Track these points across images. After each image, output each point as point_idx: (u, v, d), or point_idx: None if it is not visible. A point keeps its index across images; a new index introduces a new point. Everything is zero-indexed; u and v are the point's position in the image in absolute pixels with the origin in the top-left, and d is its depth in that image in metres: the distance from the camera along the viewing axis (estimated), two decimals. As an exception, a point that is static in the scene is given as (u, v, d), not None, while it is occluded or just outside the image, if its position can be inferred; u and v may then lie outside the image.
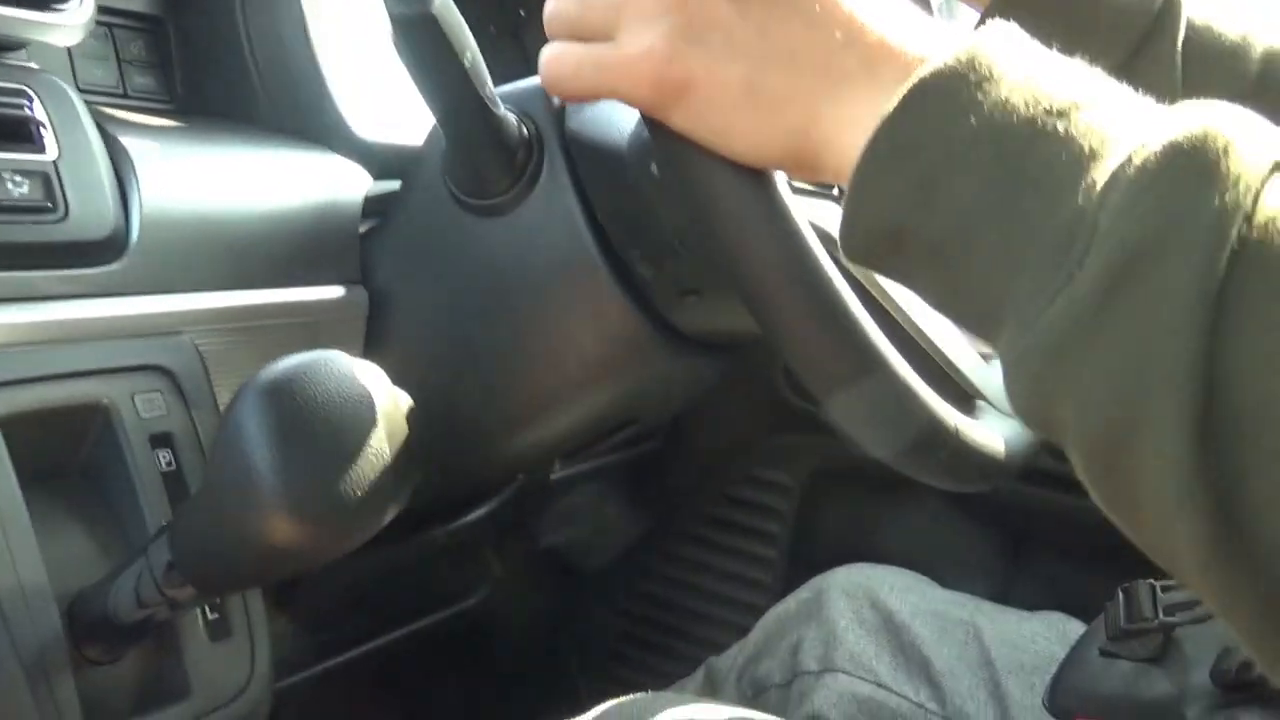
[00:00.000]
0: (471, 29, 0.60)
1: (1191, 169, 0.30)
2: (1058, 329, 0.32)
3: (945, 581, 0.83)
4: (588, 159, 0.65)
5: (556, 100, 0.66)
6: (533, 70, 0.70)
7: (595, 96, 0.47)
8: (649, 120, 0.45)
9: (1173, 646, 0.59)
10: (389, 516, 0.48)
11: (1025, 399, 0.34)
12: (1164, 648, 0.59)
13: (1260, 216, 0.30)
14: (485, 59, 0.62)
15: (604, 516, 1.15)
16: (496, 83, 0.63)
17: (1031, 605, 0.79)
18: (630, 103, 0.45)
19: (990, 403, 0.55)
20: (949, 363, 0.55)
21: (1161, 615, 0.59)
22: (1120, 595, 0.61)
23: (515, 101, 0.66)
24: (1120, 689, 0.58)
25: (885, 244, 0.38)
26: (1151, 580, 0.61)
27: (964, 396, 0.65)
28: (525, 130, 0.65)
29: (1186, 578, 0.32)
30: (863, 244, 0.39)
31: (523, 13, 0.94)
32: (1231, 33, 0.59)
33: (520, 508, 0.91)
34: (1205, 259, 0.29)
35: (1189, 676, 0.57)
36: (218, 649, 0.56)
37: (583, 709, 0.69)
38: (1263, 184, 0.30)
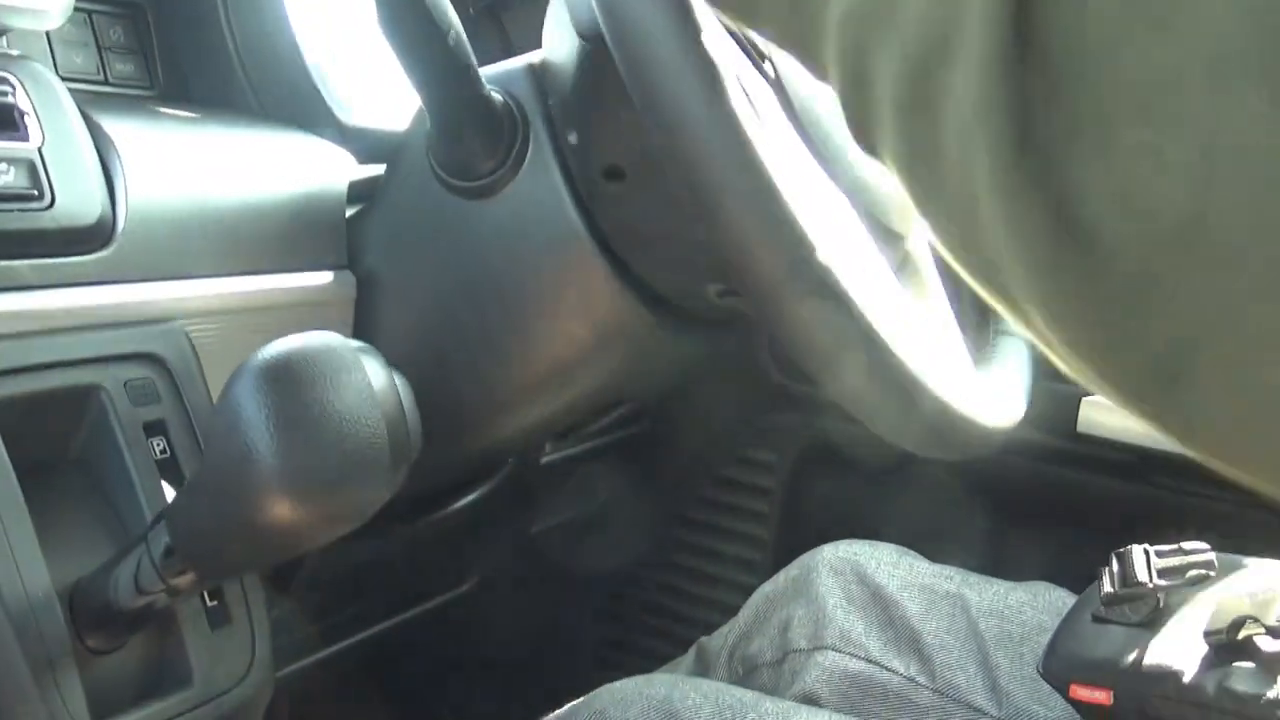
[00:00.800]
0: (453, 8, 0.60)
1: None
2: None
3: (934, 556, 0.83)
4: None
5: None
6: (513, 51, 0.70)
7: None
8: None
9: (1165, 610, 0.60)
10: (386, 496, 0.48)
11: (840, 65, 0.33)
12: (1156, 612, 0.60)
13: None
14: (467, 39, 0.61)
15: (599, 525, 1.16)
16: (478, 64, 0.63)
17: (1020, 577, 0.80)
18: None
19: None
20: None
21: (1155, 579, 0.60)
22: (1113, 560, 0.62)
23: (499, 82, 0.66)
24: (1114, 654, 0.59)
25: None
26: (1145, 545, 0.61)
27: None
28: (510, 111, 0.65)
29: (983, 240, 0.29)
30: None
31: (503, -5, 0.94)
32: None
33: (511, 492, 0.91)
34: None
35: (1182, 638, 0.58)
36: (218, 636, 0.55)
37: (578, 693, 0.70)
38: None
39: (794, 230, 0.49)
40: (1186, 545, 0.61)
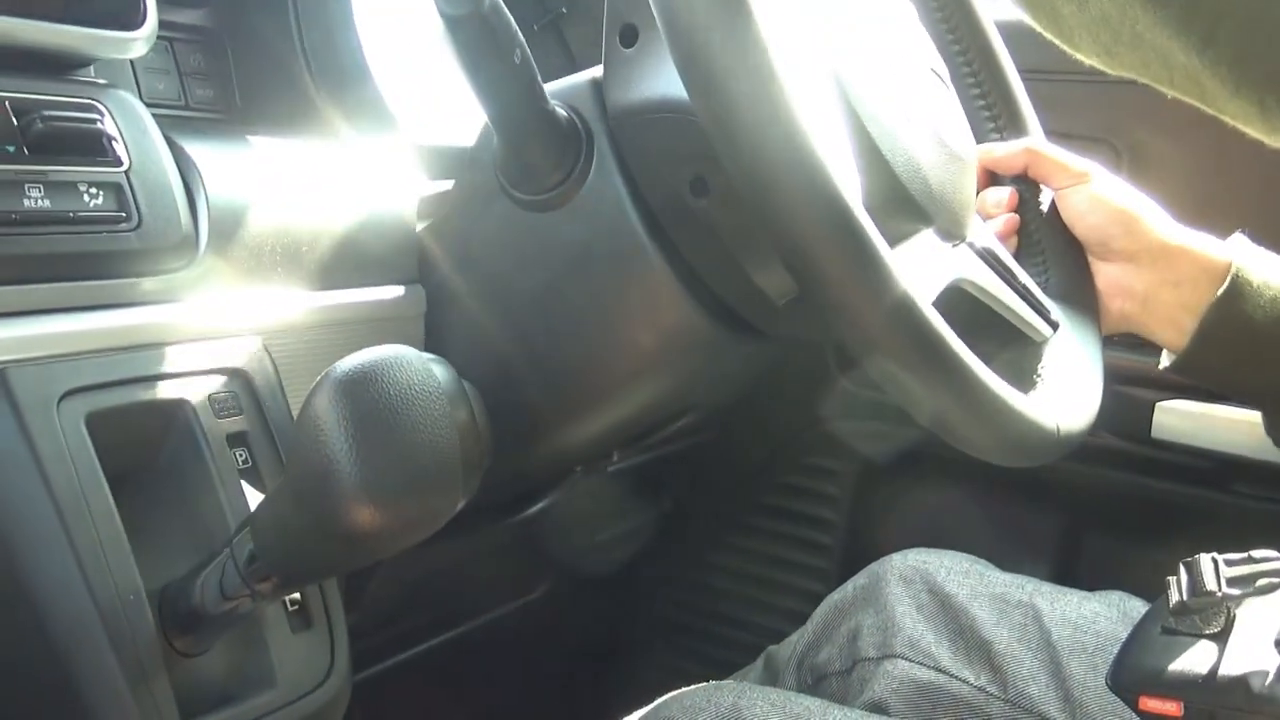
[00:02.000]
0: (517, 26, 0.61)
1: None
2: None
3: (1004, 564, 0.82)
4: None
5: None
6: (576, 66, 0.71)
7: None
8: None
9: (1235, 620, 0.58)
10: (461, 503, 0.50)
11: None
12: (1227, 622, 0.58)
13: None
14: (532, 56, 0.63)
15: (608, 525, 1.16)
16: (542, 79, 0.65)
17: (1091, 586, 0.79)
18: None
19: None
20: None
21: (1225, 588, 0.58)
22: (1182, 570, 0.60)
23: (563, 96, 0.67)
24: (1184, 665, 0.58)
25: None
26: (1213, 554, 0.60)
27: (1021, 373, 0.65)
28: (574, 124, 0.66)
29: None
30: None
31: (564, 9, 0.95)
32: None
33: (580, 500, 0.92)
34: None
35: (1252, 648, 0.57)
36: (299, 640, 0.57)
37: (646, 700, 0.70)
38: None
39: (862, 238, 0.49)
40: (1256, 553, 0.60)
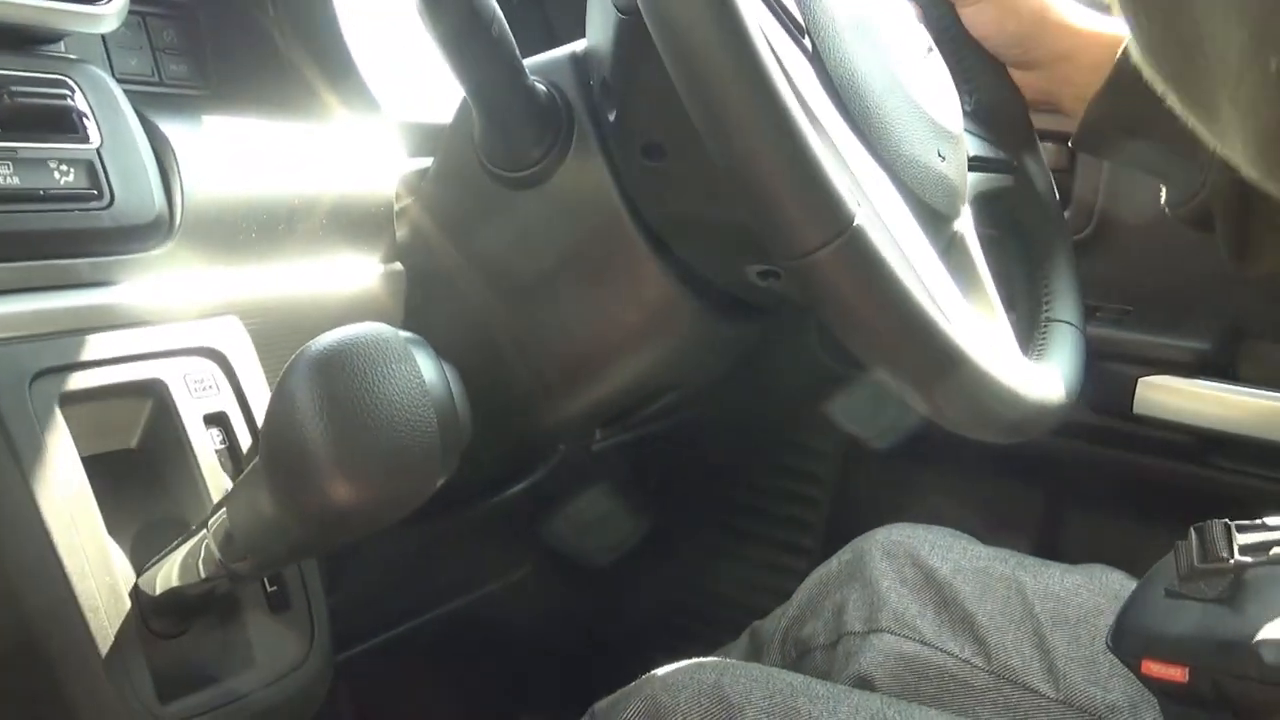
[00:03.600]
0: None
1: None
2: None
3: (988, 539, 0.83)
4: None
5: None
6: (556, 41, 0.70)
7: None
8: None
9: (1243, 587, 0.57)
10: (438, 483, 0.49)
11: None
12: (1234, 588, 0.57)
13: None
14: (510, 30, 0.62)
15: (606, 516, 1.16)
16: (521, 54, 0.64)
17: (1073, 560, 0.79)
18: None
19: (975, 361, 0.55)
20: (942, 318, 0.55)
21: (1237, 555, 0.58)
22: (1193, 534, 0.59)
23: (542, 71, 0.67)
24: (1191, 630, 0.57)
25: None
26: (1226, 520, 0.59)
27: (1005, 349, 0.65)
28: (554, 100, 0.66)
29: None
30: None
31: (545, -15, 0.94)
32: None
33: (563, 480, 0.91)
34: None
35: (1264, 617, 0.56)
36: (278, 621, 0.57)
37: (631, 678, 0.70)
38: None
39: (833, 197, 0.49)
40: (1270, 520, 0.59)
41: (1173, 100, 0.33)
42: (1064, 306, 0.75)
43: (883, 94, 0.60)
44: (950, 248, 0.64)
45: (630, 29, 0.60)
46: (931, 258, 0.58)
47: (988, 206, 0.72)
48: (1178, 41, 0.31)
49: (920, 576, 0.77)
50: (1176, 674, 0.56)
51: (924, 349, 0.52)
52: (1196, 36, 0.30)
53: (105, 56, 0.67)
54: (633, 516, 1.16)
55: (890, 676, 0.73)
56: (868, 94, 0.60)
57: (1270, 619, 0.55)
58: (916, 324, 0.51)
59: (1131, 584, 0.65)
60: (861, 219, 0.50)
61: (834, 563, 0.83)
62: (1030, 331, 0.73)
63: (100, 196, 0.56)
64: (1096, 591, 0.74)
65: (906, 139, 0.61)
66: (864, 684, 0.73)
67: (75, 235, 0.55)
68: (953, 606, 0.75)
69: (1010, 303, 0.71)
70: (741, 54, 0.48)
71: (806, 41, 0.58)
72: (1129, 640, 0.59)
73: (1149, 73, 0.33)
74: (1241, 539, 0.58)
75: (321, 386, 0.46)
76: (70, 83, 0.57)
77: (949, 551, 0.78)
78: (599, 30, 0.64)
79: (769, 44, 0.49)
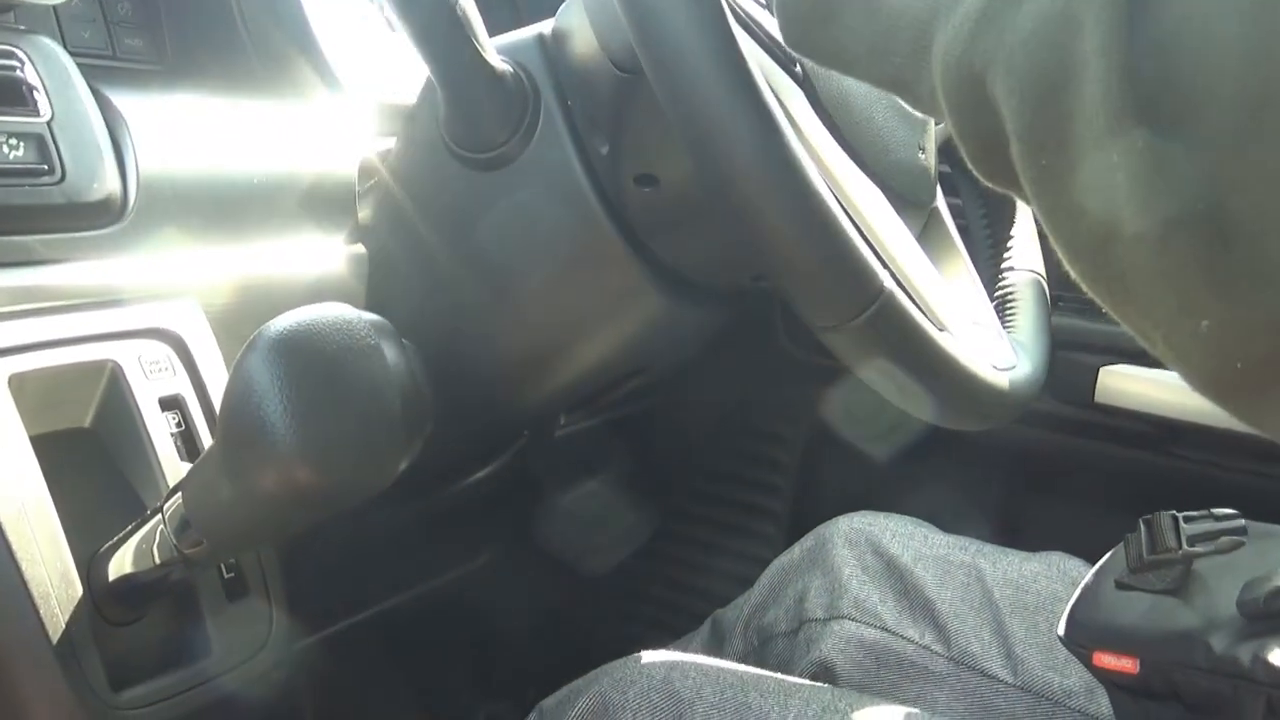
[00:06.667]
0: None
1: None
2: (978, 3, 0.33)
3: (951, 527, 0.83)
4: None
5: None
6: (522, 21, 0.69)
7: None
8: None
9: (1193, 578, 0.58)
10: (400, 466, 0.48)
11: (957, 89, 0.34)
12: (1183, 579, 0.58)
13: None
14: (476, 9, 0.61)
15: (607, 521, 1.16)
16: (488, 35, 0.63)
17: (1037, 548, 0.80)
18: None
19: (949, 332, 0.56)
20: (916, 292, 0.56)
21: (1185, 545, 0.58)
22: (1141, 526, 0.60)
23: (509, 53, 0.66)
24: (1141, 621, 0.57)
25: (819, 11, 0.41)
26: (1174, 511, 0.60)
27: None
28: (520, 81, 0.65)
29: (1128, 247, 0.30)
30: (800, 22, 0.42)
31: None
32: None
33: (526, 466, 0.91)
34: None
35: (1213, 607, 0.56)
36: (236, 608, 0.56)
37: (593, 665, 0.70)
38: None
39: (863, 270, 0.50)
40: (1217, 511, 0.59)
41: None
42: (1024, 254, 0.76)
43: (867, 106, 0.62)
44: (927, 225, 0.65)
45: (631, 87, 0.61)
46: (912, 248, 0.59)
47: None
48: (1107, 289, 0.32)
49: (881, 564, 0.77)
50: (1127, 665, 0.57)
51: (939, 380, 0.54)
52: (1126, 290, 0.31)
53: (57, 29, 0.65)
54: (637, 520, 1.16)
55: (851, 663, 0.74)
56: (855, 110, 0.61)
57: (1219, 609, 0.55)
58: (943, 371, 0.53)
59: (1088, 570, 0.66)
60: (888, 283, 0.51)
61: (796, 550, 0.83)
62: (999, 318, 0.74)
63: (51, 172, 0.54)
64: (1055, 579, 0.74)
65: (892, 145, 0.62)
66: (825, 670, 0.74)
67: (25, 211, 0.54)
68: (913, 594, 0.75)
69: (973, 255, 0.73)
70: (769, 146, 0.48)
71: (797, 68, 0.59)
72: (1080, 632, 0.59)
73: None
74: (1189, 529, 0.58)
75: (281, 366, 0.45)
76: (20, 54, 0.55)
77: (910, 540, 0.79)
78: (587, 68, 0.64)
79: (779, 102, 0.50)
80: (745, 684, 0.64)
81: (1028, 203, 0.34)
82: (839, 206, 0.51)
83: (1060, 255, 0.33)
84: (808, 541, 0.83)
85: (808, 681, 0.66)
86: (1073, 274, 0.33)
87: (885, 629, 0.74)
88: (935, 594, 0.74)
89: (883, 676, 0.73)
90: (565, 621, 1.23)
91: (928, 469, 1.11)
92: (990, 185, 0.36)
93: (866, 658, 0.74)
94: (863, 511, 0.83)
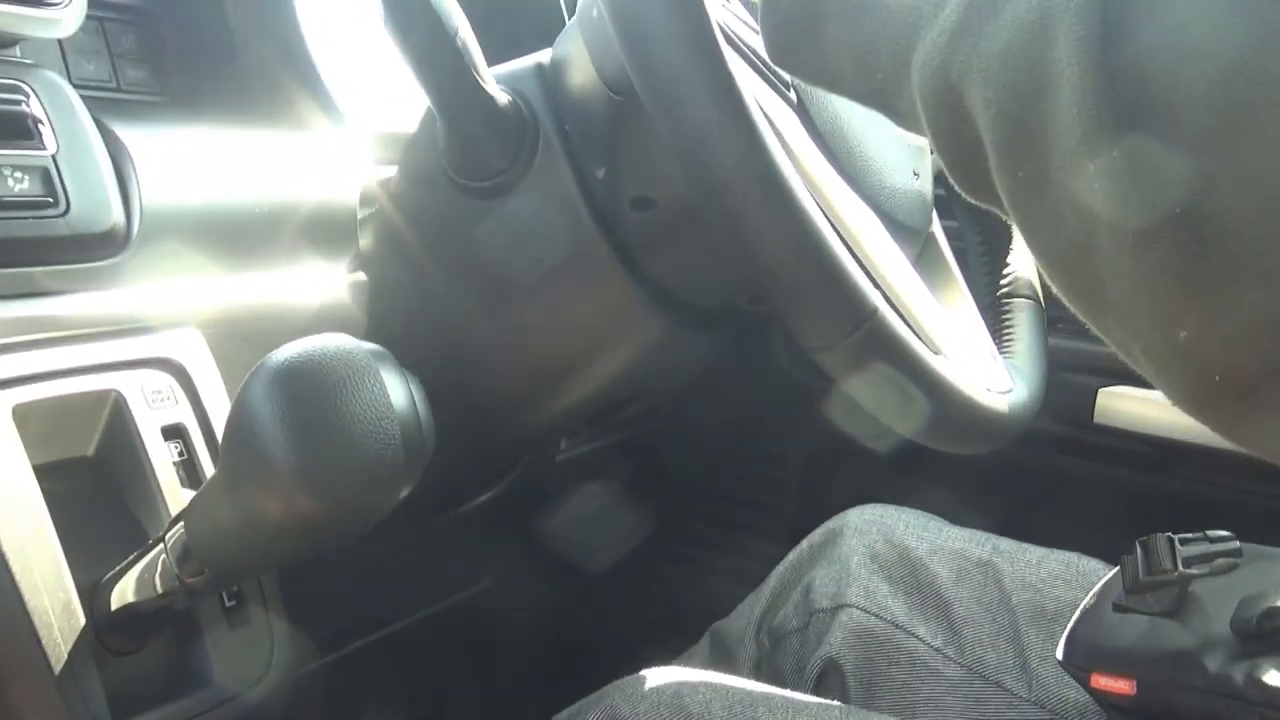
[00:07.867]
0: (460, 8, 0.60)
1: None
2: (955, 15, 0.33)
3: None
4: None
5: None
6: (523, 50, 0.70)
7: None
8: None
9: (1189, 599, 0.58)
10: (401, 494, 0.49)
11: (935, 101, 0.34)
12: (1180, 601, 0.58)
13: None
14: (475, 40, 0.62)
15: (608, 518, 1.16)
16: (488, 64, 0.63)
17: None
18: None
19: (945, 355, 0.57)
20: (913, 318, 0.57)
21: (1180, 567, 0.59)
22: (1138, 548, 0.60)
23: (508, 82, 0.66)
24: (1138, 643, 0.57)
25: (803, 25, 0.41)
26: (1169, 533, 0.60)
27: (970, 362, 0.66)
28: (519, 110, 0.65)
29: (1110, 251, 0.30)
30: (785, 38, 0.42)
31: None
32: None
33: (527, 490, 0.91)
34: None
35: (1208, 628, 0.56)
36: (237, 636, 0.56)
37: (595, 687, 0.70)
38: None
39: (854, 293, 0.51)
40: (1212, 533, 0.60)
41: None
42: (1020, 280, 0.77)
43: (862, 131, 0.63)
44: (924, 250, 0.66)
45: (626, 110, 0.61)
46: (909, 274, 0.59)
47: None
48: (1088, 300, 0.33)
49: (893, 552, 0.75)
50: (1124, 686, 0.57)
51: (932, 403, 0.54)
52: (1105, 300, 0.32)
53: (62, 62, 0.66)
54: (634, 518, 1.15)
55: (859, 659, 0.72)
56: (850, 135, 0.62)
57: (1214, 630, 0.56)
58: (935, 393, 0.54)
59: (1107, 572, 0.65)
60: (879, 304, 0.52)
61: (804, 546, 0.81)
62: (996, 340, 0.74)
63: (56, 204, 0.55)
64: (1072, 582, 0.72)
65: (887, 170, 0.63)
66: (833, 667, 0.72)
67: (30, 243, 0.54)
68: (927, 590, 0.73)
69: (970, 279, 0.73)
70: (756, 161, 0.49)
71: (791, 94, 0.59)
72: (1078, 653, 0.60)
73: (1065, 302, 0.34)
74: (1185, 551, 0.59)
75: (283, 396, 0.45)
76: (25, 88, 0.56)
77: (924, 531, 0.77)
78: (584, 94, 0.64)
79: (770, 125, 0.51)
80: (754, 700, 0.64)
81: (1006, 216, 0.34)
82: (831, 228, 0.51)
83: (1040, 267, 0.34)
84: (817, 535, 0.81)
85: (815, 699, 0.66)
86: (1053, 287, 0.33)
87: (896, 624, 0.72)
88: (951, 593, 0.72)
89: (893, 675, 0.71)
90: (569, 642, 1.23)
91: (927, 492, 1.11)
92: (972, 200, 0.36)
93: (876, 654, 0.72)
94: (875, 503, 0.82)
